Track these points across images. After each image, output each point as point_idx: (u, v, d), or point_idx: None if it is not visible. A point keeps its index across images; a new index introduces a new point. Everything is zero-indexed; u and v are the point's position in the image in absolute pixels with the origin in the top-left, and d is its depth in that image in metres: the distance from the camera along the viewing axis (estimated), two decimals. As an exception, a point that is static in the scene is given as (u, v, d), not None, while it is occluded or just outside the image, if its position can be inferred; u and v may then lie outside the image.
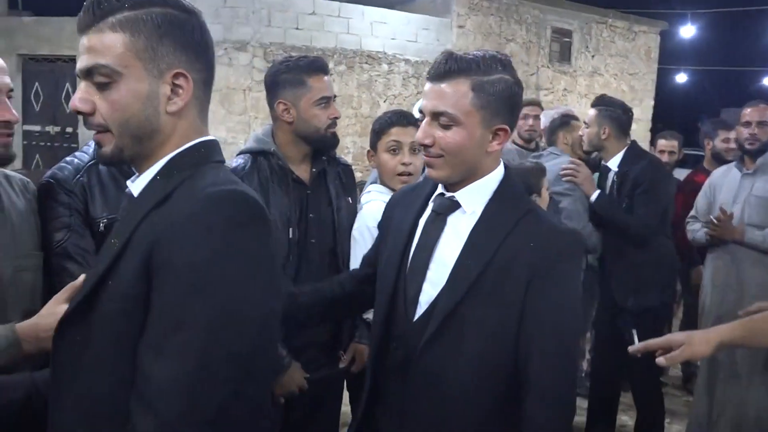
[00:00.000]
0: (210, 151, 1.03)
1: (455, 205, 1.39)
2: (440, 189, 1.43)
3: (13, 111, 1.48)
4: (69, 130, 9.70)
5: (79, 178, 1.66)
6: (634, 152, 3.01)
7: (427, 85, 1.36)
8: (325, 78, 2.04)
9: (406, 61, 9.64)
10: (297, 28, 8.97)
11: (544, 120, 3.70)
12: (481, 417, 1.32)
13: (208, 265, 0.86)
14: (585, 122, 3.12)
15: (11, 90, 1.49)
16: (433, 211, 1.42)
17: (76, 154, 1.74)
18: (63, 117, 9.66)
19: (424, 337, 1.31)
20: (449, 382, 1.32)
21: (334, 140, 2.09)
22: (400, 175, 2.12)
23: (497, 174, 1.39)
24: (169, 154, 1.01)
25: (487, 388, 1.32)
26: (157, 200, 0.95)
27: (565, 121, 3.28)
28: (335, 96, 2.11)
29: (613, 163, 3.02)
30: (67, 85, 9.63)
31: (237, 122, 8.95)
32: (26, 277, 1.50)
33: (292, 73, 2.02)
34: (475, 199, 1.38)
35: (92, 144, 1.68)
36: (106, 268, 0.93)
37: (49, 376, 1.04)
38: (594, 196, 2.95)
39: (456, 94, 1.29)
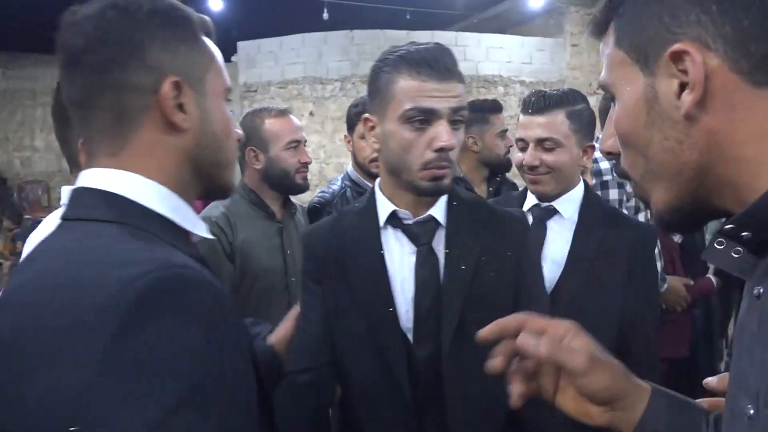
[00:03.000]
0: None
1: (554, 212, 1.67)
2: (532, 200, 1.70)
3: (308, 155, 2.06)
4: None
5: (335, 202, 2.20)
6: None
7: (526, 118, 1.66)
8: (500, 115, 2.61)
9: (521, 82, 9.75)
10: (416, 59, 9.37)
11: None
12: None
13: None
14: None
15: (305, 141, 2.09)
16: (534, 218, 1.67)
17: (330, 186, 2.34)
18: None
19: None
20: None
21: (509, 163, 2.61)
22: None
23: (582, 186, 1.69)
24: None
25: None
26: (483, 227, 1.21)
27: None
28: (506, 130, 2.67)
29: None
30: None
31: (363, 149, 9.43)
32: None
33: (477, 113, 2.54)
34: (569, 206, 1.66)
35: (339, 178, 2.33)
36: (469, 288, 1.15)
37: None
38: None
39: (556, 122, 1.60)
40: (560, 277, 1.57)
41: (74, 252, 0.71)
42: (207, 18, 0.88)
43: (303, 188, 2.04)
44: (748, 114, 0.57)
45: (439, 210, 1.21)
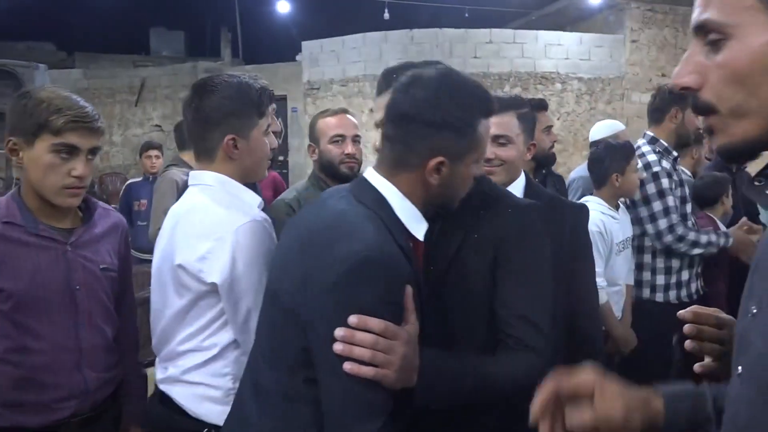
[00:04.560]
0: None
1: None
2: None
3: (352, 147, 2.26)
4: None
5: None
6: None
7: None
8: (545, 113, 2.74)
9: (579, 79, 9.51)
10: (475, 57, 9.27)
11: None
12: None
13: (537, 263, 1.31)
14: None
15: (355, 136, 2.28)
16: None
17: None
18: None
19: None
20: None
21: (554, 157, 2.87)
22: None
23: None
24: None
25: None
26: (479, 209, 1.31)
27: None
28: (551, 126, 2.89)
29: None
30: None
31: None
32: None
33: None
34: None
35: None
36: (451, 259, 1.29)
37: None
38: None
39: (509, 122, 1.80)
40: None
41: (344, 216, 1.14)
42: (493, 102, 1.22)
43: (348, 177, 2.13)
44: None
45: None
